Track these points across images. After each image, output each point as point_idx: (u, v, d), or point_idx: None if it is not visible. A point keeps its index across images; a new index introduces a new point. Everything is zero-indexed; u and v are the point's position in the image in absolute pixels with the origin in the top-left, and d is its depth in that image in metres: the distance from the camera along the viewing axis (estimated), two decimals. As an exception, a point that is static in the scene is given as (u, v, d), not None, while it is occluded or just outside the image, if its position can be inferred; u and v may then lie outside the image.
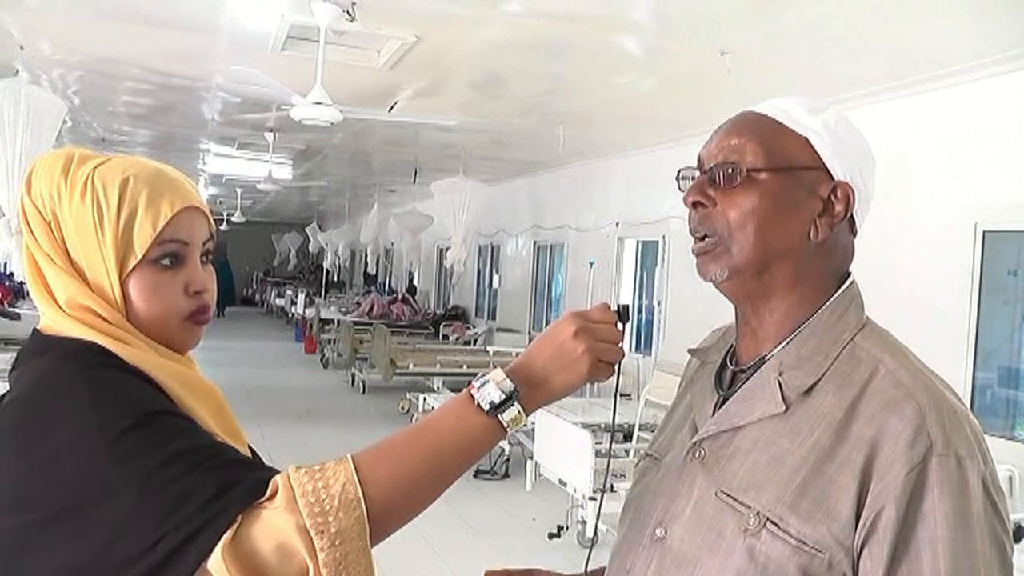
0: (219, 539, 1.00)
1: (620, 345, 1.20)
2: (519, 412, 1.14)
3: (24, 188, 1.23)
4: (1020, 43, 4.88)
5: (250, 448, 1.33)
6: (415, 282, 19.21)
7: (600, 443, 6.67)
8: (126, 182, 1.21)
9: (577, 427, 5.63)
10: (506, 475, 7.86)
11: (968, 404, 5.25)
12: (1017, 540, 3.56)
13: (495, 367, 1.18)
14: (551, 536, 6.02)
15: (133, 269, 1.21)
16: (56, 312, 1.19)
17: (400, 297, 17.42)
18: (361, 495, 1.05)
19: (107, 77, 7.72)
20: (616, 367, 1.21)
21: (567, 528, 6.07)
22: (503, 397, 1.13)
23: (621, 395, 8.36)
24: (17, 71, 6.78)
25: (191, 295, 1.26)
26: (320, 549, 1.01)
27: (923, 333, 5.31)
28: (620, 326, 1.21)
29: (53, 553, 1.05)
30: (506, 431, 1.15)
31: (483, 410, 1.13)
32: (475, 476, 7.72)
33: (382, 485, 1.08)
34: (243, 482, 1.05)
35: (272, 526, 1.02)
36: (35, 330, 1.23)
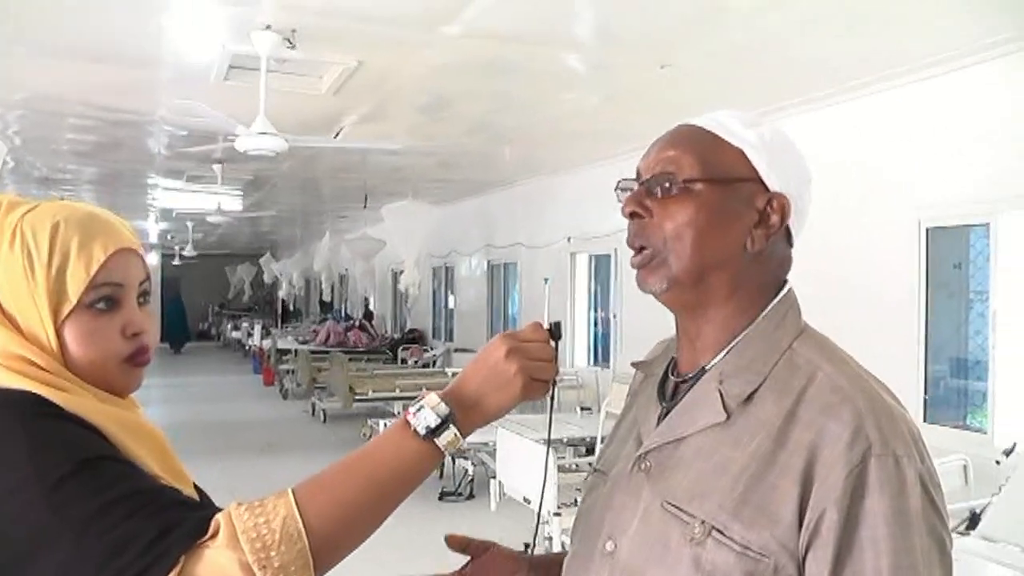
0: None
1: (553, 363, 1.21)
2: (455, 435, 1.15)
3: None
4: (957, 45, 5.01)
5: (196, 488, 1.31)
6: (371, 307, 19.14)
7: (563, 458, 6.69)
8: (56, 227, 1.19)
9: (538, 443, 5.63)
10: (471, 496, 7.83)
11: (922, 397, 5.38)
12: (972, 527, 3.64)
13: (429, 392, 1.19)
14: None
15: (68, 315, 1.19)
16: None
17: (357, 324, 17.34)
18: (302, 528, 1.05)
19: (49, 115, 7.62)
20: (551, 384, 1.22)
21: (535, 546, 6.07)
22: (439, 421, 1.14)
23: (582, 408, 8.39)
24: (-46, 113, 6.69)
25: (129, 337, 1.25)
26: None
27: (875, 329, 5.43)
28: (552, 344, 1.22)
29: None
30: (443, 454, 1.16)
31: (420, 435, 1.14)
32: (440, 499, 7.68)
33: (323, 516, 1.08)
34: (185, 523, 1.05)
35: (215, 565, 1.02)
36: None
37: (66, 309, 1.19)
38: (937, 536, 1.05)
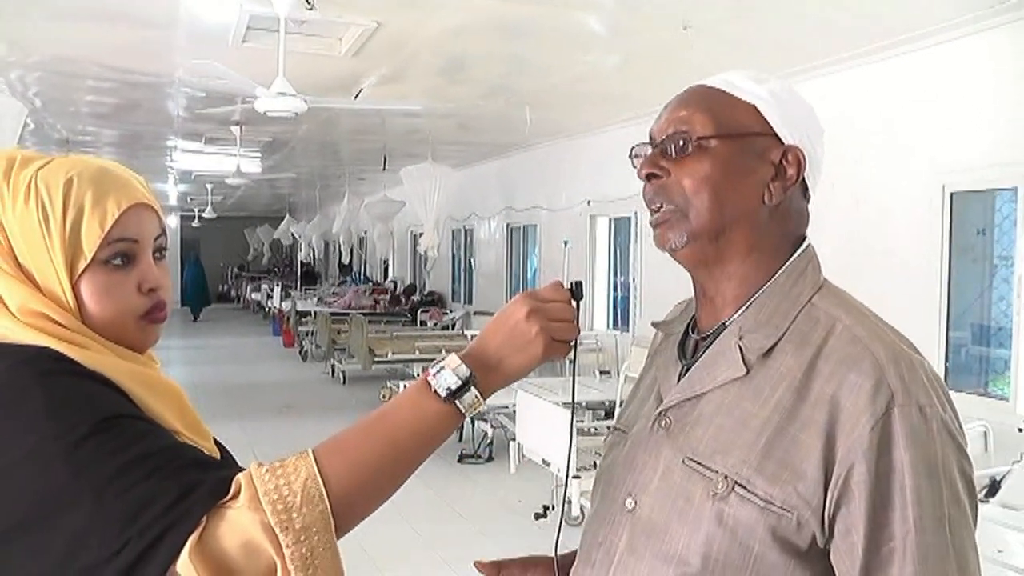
0: (185, 542, 0.99)
1: (575, 323, 1.20)
2: (476, 397, 1.15)
3: None
4: (984, 5, 4.91)
5: (218, 443, 1.31)
6: (390, 271, 19.19)
7: (581, 421, 6.70)
8: (70, 182, 1.18)
9: (558, 407, 5.65)
10: (490, 458, 7.88)
11: (943, 363, 5.35)
12: (992, 494, 3.63)
13: (449, 353, 1.18)
14: (537, 516, 6.05)
15: (84, 271, 1.18)
16: (8, 319, 1.16)
17: (387, 289, 17.46)
18: (323, 489, 1.05)
19: (67, 77, 7.62)
20: (572, 345, 1.21)
21: (552, 508, 6.10)
22: (459, 383, 1.13)
23: (601, 372, 8.40)
24: (-26, 76, 6.71)
25: (145, 293, 1.24)
26: (286, 546, 1.01)
27: (896, 295, 5.39)
28: (574, 304, 1.21)
29: (16, 565, 1.04)
30: (464, 416, 1.16)
31: (440, 397, 1.14)
32: (459, 461, 7.73)
33: (343, 477, 1.07)
34: (206, 483, 1.05)
35: (237, 525, 1.02)
36: None
37: (81, 265, 1.18)
38: (964, 481, 1.07)
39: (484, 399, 1.16)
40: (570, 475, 1.32)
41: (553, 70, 6.91)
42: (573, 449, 1.34)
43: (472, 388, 1.14)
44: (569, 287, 1.21)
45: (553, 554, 1.36)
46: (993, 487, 3.71)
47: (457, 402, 1.14)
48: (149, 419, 1.14)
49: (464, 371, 1.14)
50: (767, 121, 1.19)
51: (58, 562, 1.02)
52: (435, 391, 1.14)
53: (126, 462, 1.03)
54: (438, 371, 1.14)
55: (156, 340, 1.28)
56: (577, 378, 7.50)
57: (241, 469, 1.08)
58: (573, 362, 1.23)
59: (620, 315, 10.06)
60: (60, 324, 1.16)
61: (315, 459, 1.07)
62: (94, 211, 1.18)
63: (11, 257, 1.17)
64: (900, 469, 1.03)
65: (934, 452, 1.04)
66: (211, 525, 1.01)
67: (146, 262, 1.25)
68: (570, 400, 1.40)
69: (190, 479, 1.04)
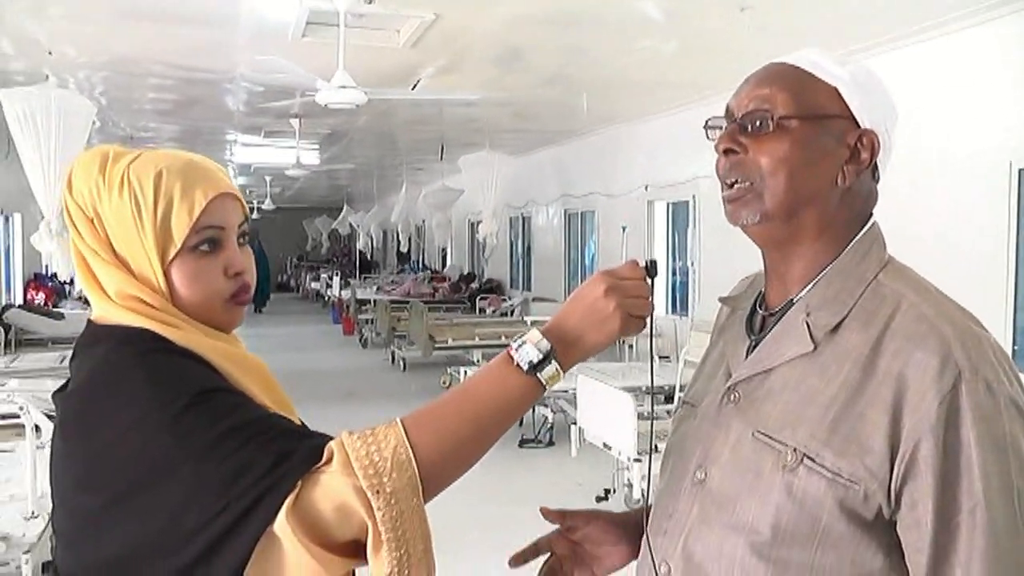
0: (282, 505, 1.06)
1: (649, 299, 1.24)
2: (556, 370, 1.18)
3: (66, 188, 1.28)
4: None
5: (300, 420, 1.38)
6: (449, 259, 19.26)
7: (642, 405, 6.71)
8: (160, 175, 1.25)
9: (618, 390, 5.67)
10: (551, 443, 7.91)
11: (1011, 347, 5.24)
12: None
13: (532, 328, 1.22)
14: (598, 499, 6.08)
15: (174, 257, 1.26)
16: (107, 303, 1.25)
17: (446, 277, 17.54)
18: (412, 455, 1.11)
19: (131, 76, 7.81)
20: (648, 320, 1.24)
21: (614, 491, 6.13)
22: (540, 356, 1.17)
23: (660, 357, 8.38)
24: (47, 76, 6.89)
25: (231, 277, 1.31)
26: (377, 508, 1.07)
27: (960, 276, 5.26)
28: (648, 281, 1.24)
29: (124, 529, 1.12)
30: (545, 388, 1.20)
31: (522, 370, 1.18)
32: (520, 445, 7.78)
33: (431, 445, 1.13)
34: (300, 450, 1.11)
35: (331, 489, 1.08)
36: (89, 321, 1.29)
37: (172, 252, 1.26)
38: None
39: (564, 372, 1.20)
40: (622, 459, 1.32)
41: (609, 58, 6.90)
42: (629, 433, 1.38)
43: (553, 361, 1.18)
44: (644, 265, 1.24)
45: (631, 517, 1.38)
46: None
47: (538, 375, 1.18)
48: (240, 392, 1.22)
49: (545, 345, 1.18)
50: (847, 104, 1.20)
51: (165, 524, 1.09)
52: (517, 364, 1.18)
53: (224, 431, 1.11)
54: (520, 345, 1.19)
55: (241, 320, 1.37)
56: (636, 363, 7.48)
57: (331, 438, 1.14)
58: (650, 337, 1.27)
59: (679, 300, 10.02)
60: (154, 307, 1.24)
61: (403, 427, 1.13)
62: (183, 201, 1.25)
63: (108, 246, 1.26)
64: (968, 444, 1.05)
65: (1001, 427, 1.06)
66: (306, 489, 1.08)
67: (231, 247, 1.32)
68: (650, 379, 1.43)
69: (285, 447, 1.11)
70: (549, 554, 1.49)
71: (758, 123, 1.20)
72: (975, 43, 5.60)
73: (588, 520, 1.47)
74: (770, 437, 1.16)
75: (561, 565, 1.47)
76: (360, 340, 15.64)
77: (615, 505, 5.99)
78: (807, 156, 1.19)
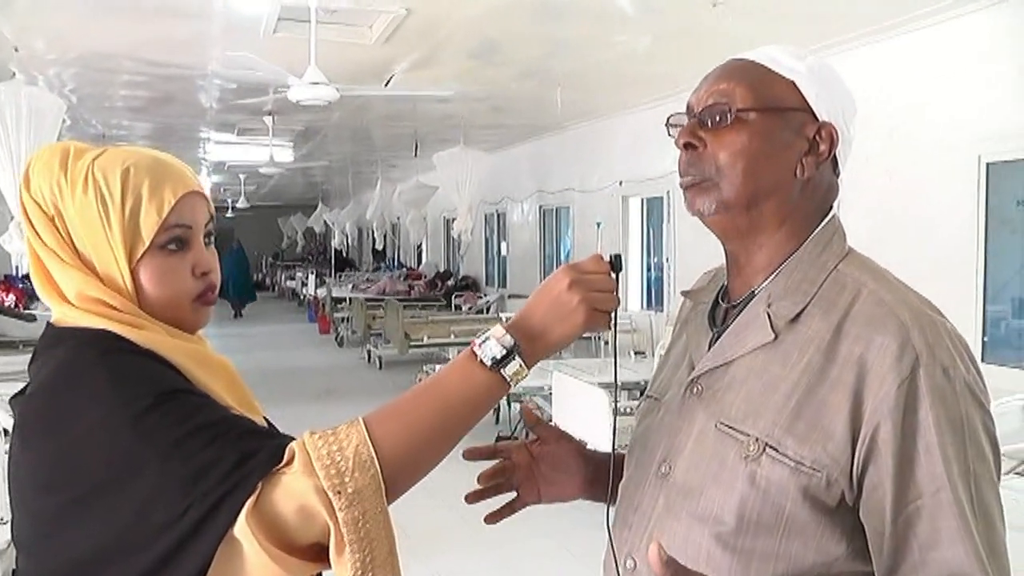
0: (243, 506, 1.05)
1: (615, 294, 1.23)
2: (520, 365, 1.18)
3: (23, 185, 1.24)
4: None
5: (265, 419, 1.36)
6: (424, 256, 19.23)
7: (618, 401, 6.71)
8: (127, 172, 1.23)
9: (594, 386, 5.67)
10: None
11: (980, 337, 5.30)
12: (1033, 466, 3.61)
13: (497, 324, 1.21)
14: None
15: (142, 256, 1.23)
16: (65, 307, 1.22)
17: (421, 274, 17.51)
18: (374, 455, 1.09)
19: (103, 72, 7.74)
20: (612, 315, 1.24)
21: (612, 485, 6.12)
22: (504, 352, 1.17)
23: (636, 352, 8.39)
24: (13, 73, 6.80)
25: (198, 276, 1.30)
26: (339, 509, 1.06)
27: (932, 268, 5.34)
28: (613, 275, 1.24)
29: (88, 529, 1.10)
30: (509, 385, 1.19)
31: (486, 366, 1.17)
32: (496, 442, 7.75)
33: (393, 444, 1.12)
34: (262, 450, 1.10)
35: (292, 490, 1.07)
36: (49, 323, 1.26)
37: (140, 250, 1.23)
38: (988, 437, 1.11)
39: (528, 368, 1.19)
40: (614, 445, 1.32)
41: (585, 51, 6.91)
42: (607, 426, 1.37)
43: (516, 357, 1.17)
44: (609, 259, 1.24)
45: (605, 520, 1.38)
46: (1034, 459, 3.69)
47: (502, 371, 1.17)
48: (203, 393, 1.20)
49: (509, 340, 1.17)
50: (804, 97, 1.21)
51: (129, 523, 1.08)
52: (481, 360, 1.17)
53: (187, 431, 1.09)
54: (483, 341, 1.18)
55: (207, 321, 1.35)
56: (610, 359, 7.51)
57: (294, 438, 1.13)
58: (613, 330, 1.26)
59: (654, 295, 10.06)
60: (116, 308, 1.22)
61: (366, 426, 1.12)
62: (152, 199, 1.23)
63: (69, 246, 1.23)
64: (926, 427, 1.06)
65: (958, 411, 1.08)
66: (267, 490, 1.06)
67: (199, 247, 1.30)
68: (613, 371, 1.42)
69: (248, 446, 1.10)
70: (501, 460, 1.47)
71: (717, 117, 1.21)
72: (946, 39, 5.64)
73: (558, 439, 1.47)
74: (732, 428, 1.16)
75: (513, 472, 1.45)
76: (336, 338, 15.58)
77: (592, 505, 5.98)
78: (766, 148, 1.20)
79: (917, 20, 5.68)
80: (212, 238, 1.35)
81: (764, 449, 1.12)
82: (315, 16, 5.18)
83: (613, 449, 1.35)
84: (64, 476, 1.12)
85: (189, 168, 1.34)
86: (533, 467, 1.46)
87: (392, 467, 1.11)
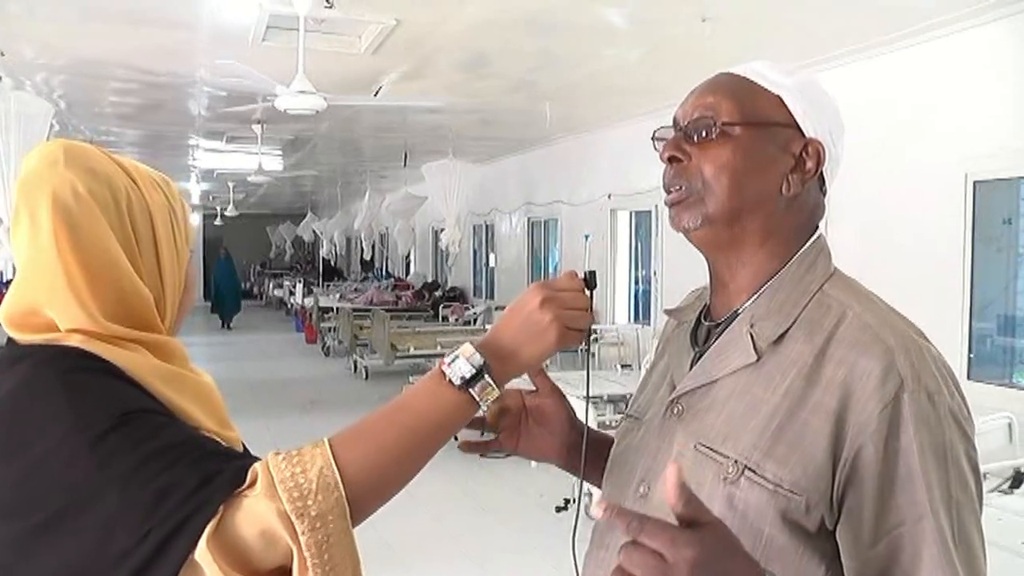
0: (204, 530, 1.01)
1: (589, 311, 1.21)
2: (490, 385, 1.15)
3: (79, 172, 1.18)
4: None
5: (241, 440, 1.34)
6: (412, 267, 19.20)
7: (603, 415, 6.71)
8: (165, 181, 1.30)
9: (579, 399, 5.65)
10: (511, 453, 7.86)
11: (966, 354, 5.30)
12: (1017, 485, 3.61)
13: (465, 342, 1.19)
14: (558, 509, 6.06)
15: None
16: (95, 322, 1.17)
17: (409, 284, 17.48)
18: (339, 477, 1.07)
19: (92, 78, 7.71)
20: (586, 333, 1.22)
21: (574, 500, 6.11)
22: (473, 371, 1.14)
23: (622, 366, 8.39)
24: (0, 78, 6.77)
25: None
26: (302, 533, 1.03)
27: (919, 286, 5.36)
28: (588, 293, 1.22)
29: (47, 557, 1.07)
30: (479, 405, 1.17)
31: (455, 385, 1.15)
32: (481, 455, 7.72)
33: (359, 465, 1.09)
34: (224, 472, 1.07)
35: (254, 513, 1.04)
36: (9, 339, 1.21)
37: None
38: (971, 466, 1.09)
39: (499, 388, 1.17)
40: (584, 468, 1.30)
41: (574, 65, 6.91)
42: (586, 442, 1.35)
43: (486, 376, 1.15)
44: (583, 276, 1.22)
45: (572, 552, 1.36)
46: (1017, 478, 3.69)
47: (471, 391, 1.15)
48: (169, 413, 1.17)
49: (478, 359, 1.15)
50: (791, 113, 1.20)
51: (90, 550, 1.04)
52: (450, 380, 1.15)
53: (148, 453, 1.06)
54: (453, 360, 1.16)
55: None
56: (598, 372, 7.49)
57: (258, 459, 1.10)
58: (587, 351, 1.24)
59: (641, 308, 10.06)
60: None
61: (331, 448, 1.09)
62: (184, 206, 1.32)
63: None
64: (908, 452, 1.04)
65: (942, 437, 1.06)
66: (228, 514, 1.03)
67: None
68: (585, 390, 1.39)
69: (209, 469, 1.06)
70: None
71: (703, 131, 1.20)
72: (934, 57, 5.67)
73: (552, 394, 1.42)
74: (711, 449, 1.14)
75: (506, 412, 1.41)
76: (323, 348, 15.55)
77: (574, 514, 5.97)
78: (750, 163, 1.18)
79: (905, 38, 5.71)
80: None
81: (743, 472, 1.10)
82: (304, 25, 5.17)
83: (583, 465, 1.32)
84: (22, 503, 1.08)
85: None
86: (521, 415, 1.42)
87: (357, 489, 1.08)
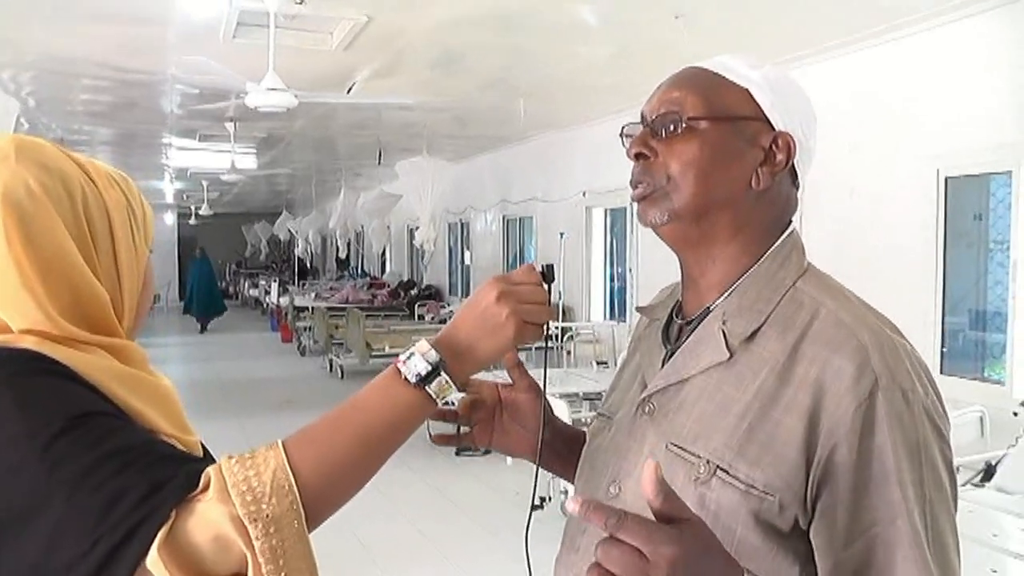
0: (155, 537, 0.98)
1: (547, 305, 1.19)
2: (446, 382, 1.13)
3: (32, 167, 1.14)
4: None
5: (201, 445, 1.30)
6: (388, 266, 19.15)
7: (579, 412, 6.70)
8: (123, 178, 1.26)
9: (554, 397, 5.65)
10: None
11: (939, 349, 5.34)
12: (988, 478, 3.63)
13: (423, 339, 1.16)
14: (534, 508, 6.04)
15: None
16: (51, 322, 1.13)
17: (384, 283, 17.43)
18: (292, 480, 1.04)
19: (62, 76, 7.63)
20: (544, 328, 1.20)
21: (550, 499, 6.10)
22: (429, 368, 1.12)
23: (598, 363, 8.39)
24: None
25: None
26: (255, 538, 1.00)
27: (892, 281, 5.39)
28: (545, 286, 1.19)
29: None
30: (436, 402, 1.14)
31: (410, 383, 1.12)
32: (456, 454, 7.70)
33: (313, 467, 1.06)
34: (176, 477, 1.03)
35: (206, 519, 1.00)
36: None
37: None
38: (946, 465, 1.08)
39: (456, 385, 1.14)
40: (539, 465, 1.29)
41: (547, 62, 6.91)
42: (542, 439, 1.33)
43: (442, 373, 1.13)
44: (541, 269, 1.20)
45: (524, 546, 1.34)
46: (989, 472, 3.71)
47: (427, 388, 1.12)
48: (123, 416, 1.13)
49: (433, 356, 1.13)
50: (759, 106, 1.18)
51: (38, 559, 1.01)
52: (405, 377, 1.12)
53: (97, 458, 1.02)
54: (408, 357, 1.13)
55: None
56: (573, 369, 7.45)
57: (212, 462, 1.07)
58: (545, 346, 1.22)
59: (617, 305, 10.07)
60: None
61: (284, 449, 1.06)
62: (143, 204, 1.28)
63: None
64: (884, 452, 1.03)
65: (916, 436, 1.04)
66: (180, 519, 1.00)
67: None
68: (543, 385, 1.37)
69: (161, 474, 1.03)
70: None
71: (669, 126, 1.18)
72: (906, 54, 5.70)
73: (529, 390, 1.39)
74: (683, 449, 1.12)
75: (480, 405, 1.39)
76: (298, 347, 15.48)
77: (551, 513, 5.96)
78: (717, 157, 1.16)
79: (878, 35, 5.73)
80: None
81: (715, 472, 1.08)
82: (274, 21, 5.13)
83: (537, 470, 1.31)
84: None
85: None
86: (496, 410, 1.40)
87: (312, 492, 1.05)
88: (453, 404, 1.23)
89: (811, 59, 6.19)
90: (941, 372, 5.41)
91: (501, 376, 1.38)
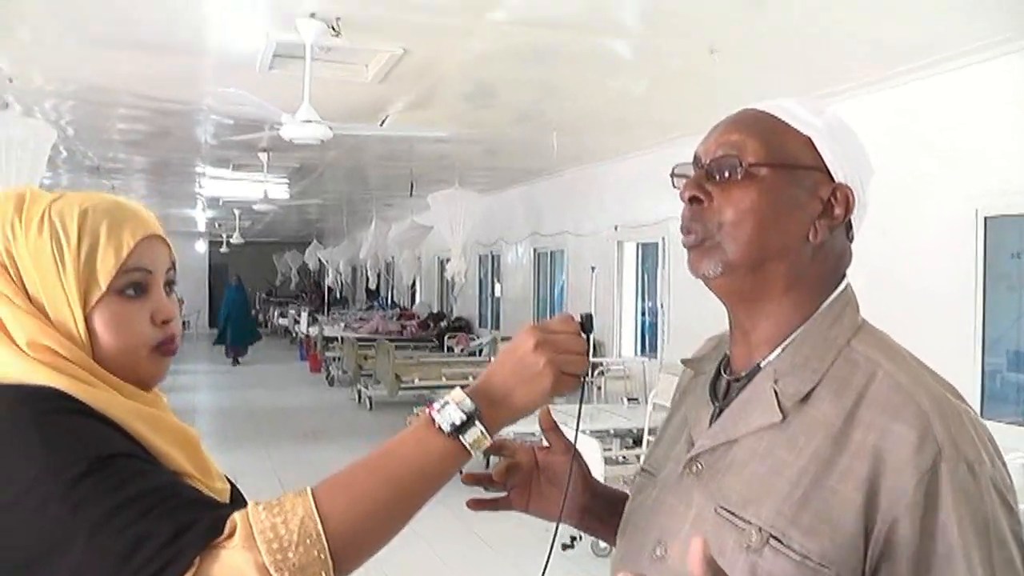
0: None
1: (585, 356, 1.15)
2: (481, 433, 1.09)
3: None
4: (1012, 27, 4.86)
5: (229, 481, 1.28)
6: (418, 297, 19.18)
7: (609, 449, 6.63)
8: (84, 213, 1.17)
9: (585, 434, 5.59)
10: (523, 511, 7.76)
11: (979, 392, 5.23)
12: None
13: (457, 387, 1.13)
14: (565, 547, 5.96)
15: (98, 302, 1.16)
16: (17, 355, 1.13)
17: (414, 314, 17.43)
18: (321, 528, 1.01)
19: (100, 105, 7.72)
20: (581, 379, 1.16)
21: (580, 539, 6.02)
22: (464, 418, 1.08)
23: (629, 399, 8.32)
24: (7, 104, 6.78)
25: (158, 325, 1.22)
26: None
27: (929, 322, 5.30)
28: (583, 336, 1.16)
29: None
30: (470, 453, 1.11)
31: (444, 432, 1.09)
32: (485, 489, 7.64)
33: (342, 516, 1.03)
34: (200, 522, 1.01)
35: (230, 566, 0.98)
36: None
37: (96, 295, 1.16)
38: (1016, 541, 1.01)
39: (491, 435, 1.11)
40: (562, 513, 1.26)
41: (580, 96, 6.90)
42: (569, 488, 1.29)
43: (477, 423, 1.09)
44: (579, 319, 1.16)
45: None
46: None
47: (462, 438, 1.09)
48: (149, 458, 1.11)
49: (469, 405, 1.09)
50: (820, 155, 1.13)
51: None
52: (439, 426, 1.09)
53: (122, 501, 1.00)
54: (442, 406, 1.10)
55: (165, 373, 1.26)
56: (604, 405, 7.39)
57: (242, 507, 1.04)
58: (580, 397, 1.18)
59: (648, 341, 10.00)
60: (67, 359, 1.13)
61: (313, 497, 1.04)
62: (109, 240, 1.17)
63: (22, 291, 1.15)
64: (949, 529, 0.97)
65: (983, 511, 0.98)
66: (204, 566, 0.98)
67: (158, 293, 1.23)
68: (574, 437, 1.33)
69: (185, 518, 1.01)
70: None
71: (726, 171, 1.13)
72: (942, 91, 5.64)
73: (566, 453, 1.35)
74: (733, 514, 1.07)
75: (515, 472, 1.35)
76: (327, 378, 15.48)
77: (581, 552, 5.88)
78: (776, 207, 1.11)
79: (913, 72, 5.68)
80: (174, 286, 1.28)
81: (767, 540, 1.02)
82: (310, 54, 5.16)
83: (557, 528, 1.26)
84: None
85: (151, 213, 1.27)
86: (532, 473, 1.36)
87: (340, 542, 1.02)
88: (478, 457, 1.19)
89: (846, 94, 6.14)
90: (981, 415, 5.29)
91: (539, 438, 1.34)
